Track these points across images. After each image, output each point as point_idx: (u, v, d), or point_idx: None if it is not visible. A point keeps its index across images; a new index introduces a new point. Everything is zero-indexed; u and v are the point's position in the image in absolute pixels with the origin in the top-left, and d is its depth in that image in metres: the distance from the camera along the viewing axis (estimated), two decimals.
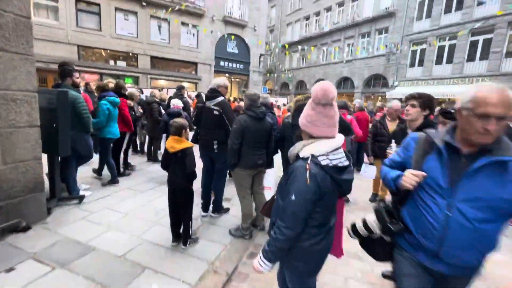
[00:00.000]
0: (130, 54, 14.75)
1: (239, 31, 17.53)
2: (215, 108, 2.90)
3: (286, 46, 22.60)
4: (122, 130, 4.07)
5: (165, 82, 16.32)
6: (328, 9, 22.70)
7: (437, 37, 15.09)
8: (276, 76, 28.15)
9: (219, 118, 2.90)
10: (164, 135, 5.09)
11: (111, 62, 14.39)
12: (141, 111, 5.37)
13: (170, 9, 12.79)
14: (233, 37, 15.93)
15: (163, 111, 5.45)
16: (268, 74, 26.79)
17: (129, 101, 4.34)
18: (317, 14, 23.93)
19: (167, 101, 5.68)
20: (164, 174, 2.61)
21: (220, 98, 2.96)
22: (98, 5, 13.33)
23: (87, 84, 7.93)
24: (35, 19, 12.16)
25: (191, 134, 3.37)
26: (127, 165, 4.71)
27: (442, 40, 14.65)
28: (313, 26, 24.44)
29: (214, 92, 2.98)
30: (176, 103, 3.97)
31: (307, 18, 25.22)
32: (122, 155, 4.30)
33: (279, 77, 28.48)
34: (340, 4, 21.52)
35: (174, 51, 15.62)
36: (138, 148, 6.14)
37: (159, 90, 9.82)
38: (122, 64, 14.66)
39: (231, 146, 2.58)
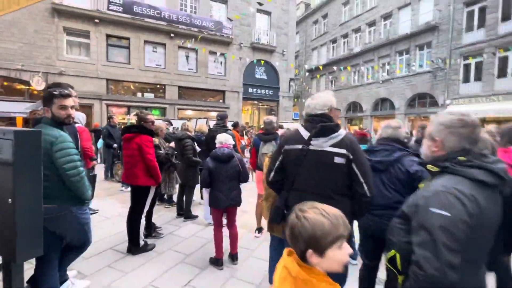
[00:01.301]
0: (158, 86, 14.35)
1: (268, 56, 16.83)
2: (338, 151, 1.42)
3: (320, 67, 21.57)
4: (144, 183, 2.73)
5: (192, 112, 15.63)
6: (357, 30, 21.73)
7: (496, 48, 13.14)
8: (304, 101, 26.94)
9: (342, 168, 1.41)
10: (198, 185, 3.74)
11: (139, 94, 14.01)
12: (171, 146, 3.99)
13: (199, 37, 12.29)
14: (262, 61, 15.16)
15: (197, 148, 4.14)
16: (295, 100, 25.66)
17: (155, 139, 3.05)
18: (345, 36, 23.03)
19: (207, 134, 4.34)
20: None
21: (342, 133, 1.48)
22: (128, 39, 13.27)
23: (110, 118, 7.06)
24: (67, 56, 12.18)
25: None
26: (150, 229, 3.30)
27: (501, 50, 12.63)
28: (341, 48, 23.47)
29: (325, 119, 1.52)
30: (225, 140, 2.61)
31: (334, 41, 24.40)
32: (143, 220, 2.90)
33: None
34: (371, 24, 20.46)
35: (201, 80, 15.06)
36: (165, 196, 4.75)
37: (190, 120, 8.73)
38: (149, 95, 14.24)
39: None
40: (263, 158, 3.22)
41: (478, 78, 14.11)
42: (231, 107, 15.99)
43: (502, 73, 13.17)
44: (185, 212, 4.00)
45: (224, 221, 2.86)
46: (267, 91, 17.33)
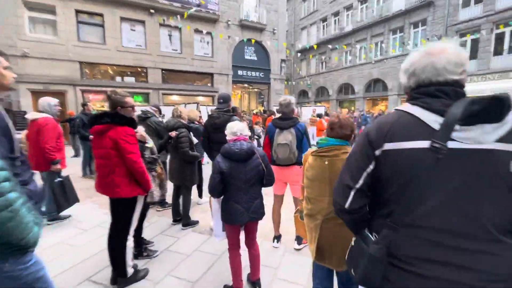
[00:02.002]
0: (139, 69, 13.04)
1: (257, 35, 15.69)
2: None
3: (315, 46, 20.57)
4: (128, 194, 1.96)
5: (178, 97, 14.50)
6: (349, 7, 20.73)
7: (494, 23, 12.74)
8: (294, 84, 26.13)
9: None
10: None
11: (118, 79, 12.68)
12: (173, 134, 3.11)
13: (186, 13, 10.99)
14: (253, 40, 14.03)
15: (194, 140, 3.35)
16: (285, 82, 24.80)
17: (139, 132, 2.22)
18: (336, 14, 22.00)
19: (207, 121, 3.41)
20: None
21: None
22: (101, 15, 11.75)
23: (84, 105, 6.03)
24: (31, 35, 10.66)
25: None
26: (140, 248, 2.55)
27: (501, 26, 12.21)
28: (331, 27, 22.48)
29: (460, 90, 0.81)
30: (240, 130, 1.84)
31: (324, 20, 23.33)
32: (130, 241, 2.14)
33: (297, 84, 26.46)
34: (363, 1, 19.52)
35: (187, 62, 13.84)
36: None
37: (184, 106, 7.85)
38: (130, 80, 12.94)
39: None
40: (280, 149, 2.51)
41: (473, 56, 13.77)
42: (220, 91, 14.95)
43: (499, 50, 12.88)
44: (183, 219, 3.26)
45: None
46: (257, 73, 16.34)
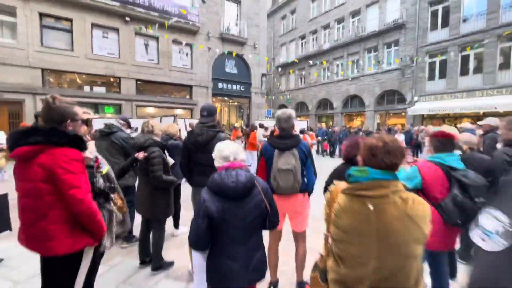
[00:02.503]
0: (111, 78, 12.13)
1: (238, 49, 15.50)
2: None
3: (296, 60, 20.81)
4: (68, 249, 1.32)
5: (154, 109, 13.65)
6: (326, 26, 21.55)
7: (459, 46, 13.68)
8: (273, 98, 26.24)
9: None
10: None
11: (87, 88, 11.65)
12: (140, 156, 2.49)
13: (166, 23, 10.47)
14: (234, 53, 13.79)
15: (170, 161, 2.75)
16: (266, 97, 24.80)
17: (87, 154, 1.58)
18: (314, 32, 22.75)
19: (187, 139, 2.74)
20: None
21: None
22: (70, 20, 10.85)
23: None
24: None
25: None
26: None
27: (468, 48, 13.12)
28: (310, 44, 23.16)
29: None
30: (234, 153, 1.31)
31: (303, 37, 24.02)
32: None
33: (277, 99, 26.61)
34: (339, 21, 20.39)
35: (164, 73, 13.16)
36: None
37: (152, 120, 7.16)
38: (100, 90, 11.95)
39: None
40: (282, 176, 2.02)
41: (442, 76, 14.63)
42: (199, 103, 14.36)
43: (464, 71, 13.78)
44: (153, 260, 2.59)
45: None
46: (238, 86, 16.03)
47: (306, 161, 2.15)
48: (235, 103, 19.14)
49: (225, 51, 13.97)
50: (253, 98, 16.64)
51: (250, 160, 7.96)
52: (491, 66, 12.67)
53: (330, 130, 13.48)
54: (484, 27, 12.79)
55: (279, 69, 25.53)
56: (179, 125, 8.86)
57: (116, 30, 11.90)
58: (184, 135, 8.79)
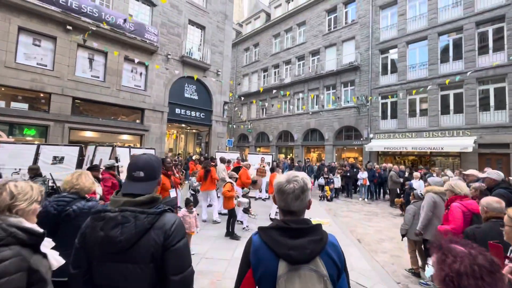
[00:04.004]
0: (41, 94, 9.91)
1: (200, 74, 14.60)
2: None
3: (261, 89, 20.52)
4: None
5: (94, 134, 11.50)
6: (287, 62, 22.36)
7: (407, 91, 14.98)
8: (234, 127, 25.52)
9: None
10: None
11: (0, 104, 9.19)
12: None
13: (87, 33, 9.02)
14: (196, 76, 12.77)
15: (56, 263, 1.40)
16: (228, 125, 23.98)
17: None
18: (276, 66, 23.39)
19: (89, 229, 1.32)
20: None
21: None
22: None
23: None
24: None
25: None
26: None
27: (414, 91, 14.39)
28: (272, 77, 23.61)
29: None
30: None
31: (265, 70, 24.51)
32: None
33: (238, 128, 25.92)
34: (300, 58, 21.34)
35: (110, 92, 11.36)
36: None
37: (86, 147, 5.67)
38: (20, 106, 9.56)
39: None
40: None
41: (394, 116, 15.71)
42: (151, 129, 12.65)
43: (412, 113, 14.98)
44: None
45: None
46: (198, 113, 14.83)
47: (338, 280, 1.08)
48: (193, 130, 17.72)
49: (185, 74, 12.89)
50: (214, 126, 15.53)
51: (204, 200, 6.57)
52: (434, 110, 13.95)
53: (296, 165, 12.75)
54: (426, 76, 14.28)
55: (242, 98, 25.28)
56: (120, 157, 7.18)
57: (53, 38, 10.01)
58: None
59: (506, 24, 12.01)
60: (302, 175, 1.17)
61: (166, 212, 1.21)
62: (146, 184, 1.25)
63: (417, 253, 3.95)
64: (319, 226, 1.12)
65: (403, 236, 3.99)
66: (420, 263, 3.95)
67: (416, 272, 3.95)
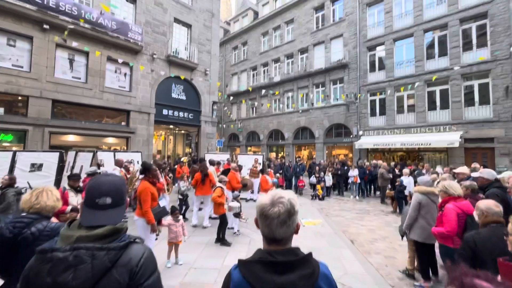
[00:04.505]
0: (18, 97, 9.38)
1: (187, 74, 14.26)
2: None
3: (249, 89, 20.23)
4: None
5: (76, 138, 11.03)
6: (276, 60, 22.23)
7: (394, 88, 15.12)
8: (224, 127, 25.24)
9: None
10: None
11: None
12: None
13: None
14: (182, 77, 12.45)
15: None
16: (218, 125, 23.63)
17: None
18: (265, 65, 23.23)
19: (32, 272, 1.01)
20: None
21: None
22: None
23: None
24: None
25: None
26: None
27: (402, 89, 14.51)
28: (261, 76, 23.43)
29: None
30: None
31: (254, 68, 24.30)
32: None
33: (228, 128, 25.65)
34: (289, 56, 21.25)
35: (93, 94, 10.91)
36: None
37: (67, 153, 5.35)
38: None
39: None
40: None
41: (382, 113, 15.84)
42: (137, 131, 12.26)
43: (400, 109, 15.14)
44: None
45: None
46: (186, 114, 14.50)
47: None
48: (182, 131, 17.35)
49: (171, 74, 12.54)
50: (203, 126, 15.23)
51: (196, 205, 6.37)
52: (421, 107, 14.14)
53: (287, 165, 12.61)
54: (413, 72, 14.44)
55: (231, 97, 24.99)
56: (104, 162, 6.85)
57: (29, 38, 9.49)
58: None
59: (488, 20, 12.26)
60: (289, 196, 1.01)
61: (132, 244, 1.02)
62: (114, 212, 1.05)
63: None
64: (309, 256, 0.96)
65: (402, 236, 3.96)
66: (416, 263, 3.89)
67: (410, 274, 3.88)
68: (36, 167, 6.70)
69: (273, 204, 0.98)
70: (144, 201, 3.44)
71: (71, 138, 10.94)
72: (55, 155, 7.00)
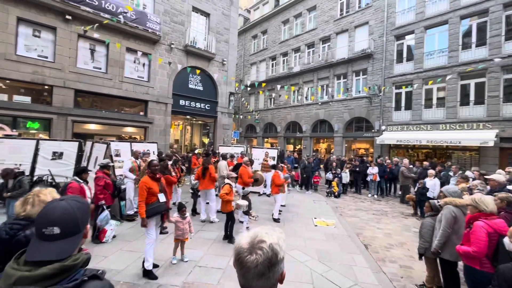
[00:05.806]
0: (45, 86, 9.79)
1: (205, 64, 14.15)
2: None
3: (263, 84, 19.89)
4: None
5: (97, 126, 11.41)
6: (297, 50, 21.46)
7: (423, 80, 14.05)
8: (242, 118, 25.12)
9: None
10: None
11: (3, 97, 9.14)
12: None
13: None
14: (198, 71, 12.37)
15: None
16: (235, 116, 23.60)
17: None
18: (285, 54, 22.54)
19: None
20: None
21: None
22: None
23: None
24: None
25: None
26: None
27: (430, 82, 13.41)
28: (280, 66, 22.82)
29: None
30: None
31: (273, 58, 23.70)
32: None
33: (245, 119, 25.52)
34: (310, 46, 20.41)
35: (113, 84, 11.15)
36: None
37: (85, 144, 5.43)
38: (23, 99, 9.50)
39: None
40: None
41: (408, 107, 14.85)
42: (155, 121, 12.46)
43: (428, 104, 14.10)
44: None
45: None
46: (203, 104, 14.50)
47: None
48: (199, 122, 17.46)
49: (189, 65, 12.48)
50: (220, 117, 15.19)
51: (202, 199, 6.32)
52: (452, 101, 13.05)
53: (306, 161, 11.64)
54: (445, 64, 13.28)
55: (248, 88, 24.69)
56: (119, 152, 6.98)
57: (53, 29, 9.77)
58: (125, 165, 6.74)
59: None
60: (272, 240, 0.81)
61: (86, 283, 0.88)
62: (64, 244, 0.92)
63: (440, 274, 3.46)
64: None
65: (420, 255, 3.55)
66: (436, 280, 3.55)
67: None
68: (57, 155, 6.97)
69: (251, 249, 0.79)
70: (139, 195, 3.64)
71: (92, 127, 11.33)
72: (75, 145, 7.25)
